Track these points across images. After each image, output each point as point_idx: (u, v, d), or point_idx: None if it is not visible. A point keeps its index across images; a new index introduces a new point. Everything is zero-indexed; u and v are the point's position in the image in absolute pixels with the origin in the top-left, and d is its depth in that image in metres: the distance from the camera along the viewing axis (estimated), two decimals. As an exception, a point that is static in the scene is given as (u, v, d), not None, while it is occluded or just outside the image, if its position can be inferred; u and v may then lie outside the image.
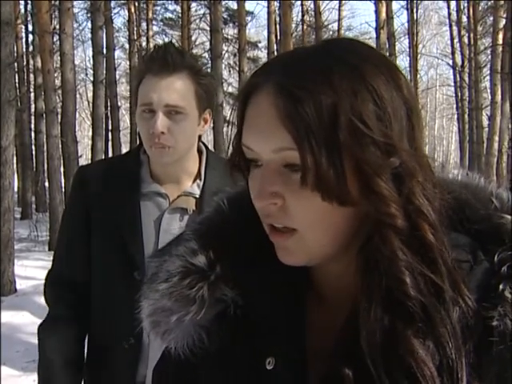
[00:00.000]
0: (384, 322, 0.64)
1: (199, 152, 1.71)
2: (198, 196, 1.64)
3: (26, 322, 5.78)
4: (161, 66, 1.54)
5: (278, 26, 16.78)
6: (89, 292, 1.66)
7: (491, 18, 16.59)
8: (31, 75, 17.86)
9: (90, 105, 19.36)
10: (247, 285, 0.75)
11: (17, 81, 14.26)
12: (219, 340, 0.76)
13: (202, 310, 0.74)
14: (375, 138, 0.64)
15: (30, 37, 17.92)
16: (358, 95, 0.64)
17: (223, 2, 16.66)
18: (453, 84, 22.42)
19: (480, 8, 17.93)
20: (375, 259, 0.66)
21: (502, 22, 14.46)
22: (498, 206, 0.73)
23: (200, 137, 1.69)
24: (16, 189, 15.05)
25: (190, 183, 1.67)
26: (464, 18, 19.03)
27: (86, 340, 1.74)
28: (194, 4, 19.05)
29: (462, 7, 19.00)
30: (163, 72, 1.54)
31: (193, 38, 19.76)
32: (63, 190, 10.33)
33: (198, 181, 1.67)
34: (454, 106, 23.31)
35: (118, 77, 19.10)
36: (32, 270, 8.30)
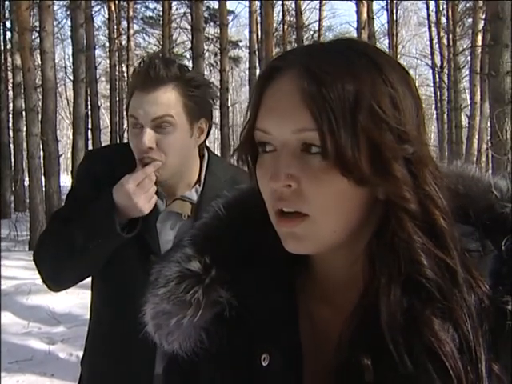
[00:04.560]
0: (403, 304, 0.67)
1: (201, 157, 1.66)
2: (195, 201, 1.61)
3: (8, 322, 5.56)
4: (144, 80, 1.51)
5: (259, 26, 16.78)
6: None
7: (469, 20, 16.76)
8: (9, 73, 17.64)
9: (70, 103, 19.19)
10: (241, 285, 0.77)
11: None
12: (218, 340, 0.78)
13: (198, 312, 0.76)
14: (391, 125, 0.67)
15: (8, 34, 17.74)
16: (376, 86, 0.67)
17: (204, 1, 16.63)
18: (432, 84, 22.59)
19: (459, 9, 18.11)
20: (392, 243, 0.68)
21: (481, 24, 14.62)
22: (499, 196, 0.75)
23: (202, 144, 1.64)
24: (-6, 188, 14.86)
25: (188, 189, 1.62)
26: (443, 19, 19.20)
27: (91, 329, 1.70)
28: (174, 3, 19.04)
29: (440, 8, 19.16)
30: (148, 86, 1.50)
31: (174, 37, 19.70)
32: (43, 189, 10.22)
33: (197, 186, 1.63)
34: (433, 106, 23.52)
35: (98, 75, 18.97)
36: (13, 269, 8.19)
